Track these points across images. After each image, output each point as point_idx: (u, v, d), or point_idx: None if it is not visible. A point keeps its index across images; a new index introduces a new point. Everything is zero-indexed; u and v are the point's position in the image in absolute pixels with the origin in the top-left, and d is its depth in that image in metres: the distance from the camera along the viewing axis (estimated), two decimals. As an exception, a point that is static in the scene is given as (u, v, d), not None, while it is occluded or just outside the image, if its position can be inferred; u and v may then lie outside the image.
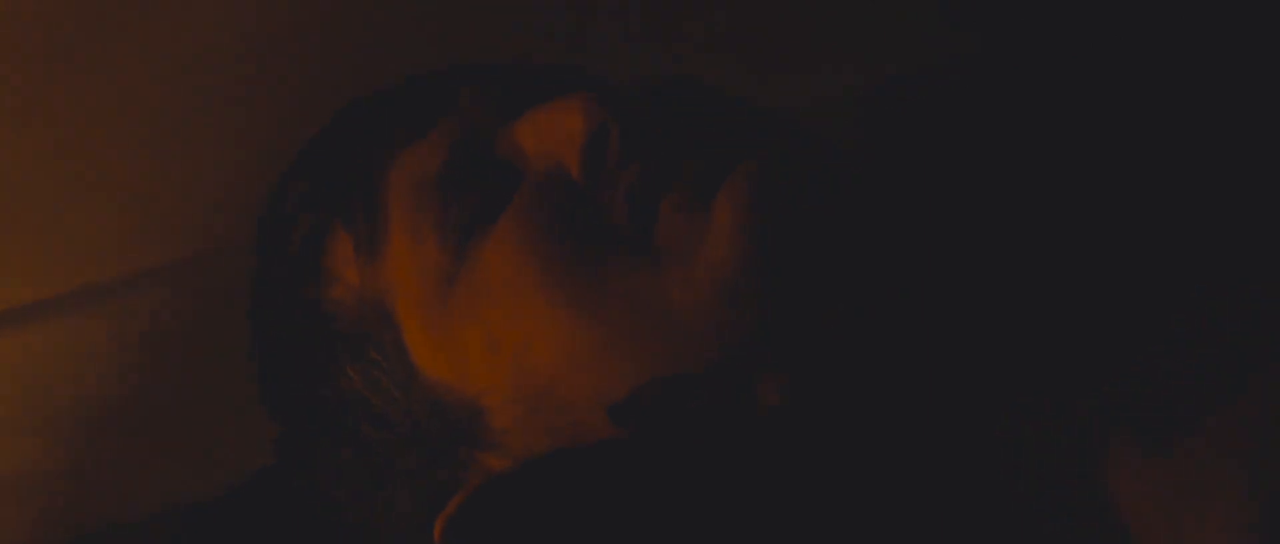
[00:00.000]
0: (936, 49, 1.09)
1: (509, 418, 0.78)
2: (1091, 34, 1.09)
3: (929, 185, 1.04)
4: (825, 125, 0.85)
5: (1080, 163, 1.02)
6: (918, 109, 1.09)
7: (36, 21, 0.92)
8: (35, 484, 1.00)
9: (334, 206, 0.83)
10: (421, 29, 0.99)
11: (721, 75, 0.84)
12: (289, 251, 0.84)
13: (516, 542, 0.79)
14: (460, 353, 0.79)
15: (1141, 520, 0.73)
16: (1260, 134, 0.99)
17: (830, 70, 1.08)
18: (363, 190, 0.83)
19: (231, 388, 0.92)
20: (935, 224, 0.90)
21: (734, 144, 0.78)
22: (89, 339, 0.98)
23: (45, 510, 1.00)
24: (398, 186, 0.82)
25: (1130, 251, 0.92)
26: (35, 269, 0.97)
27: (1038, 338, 0.79)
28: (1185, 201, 0.95)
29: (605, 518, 0.77)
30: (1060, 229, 0.96)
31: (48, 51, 0.93)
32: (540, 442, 0.78)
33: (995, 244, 0.93)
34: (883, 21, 1.08)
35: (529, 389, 0.78)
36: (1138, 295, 0.84)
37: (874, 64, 1.09)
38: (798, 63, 1.08)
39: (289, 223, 0.84)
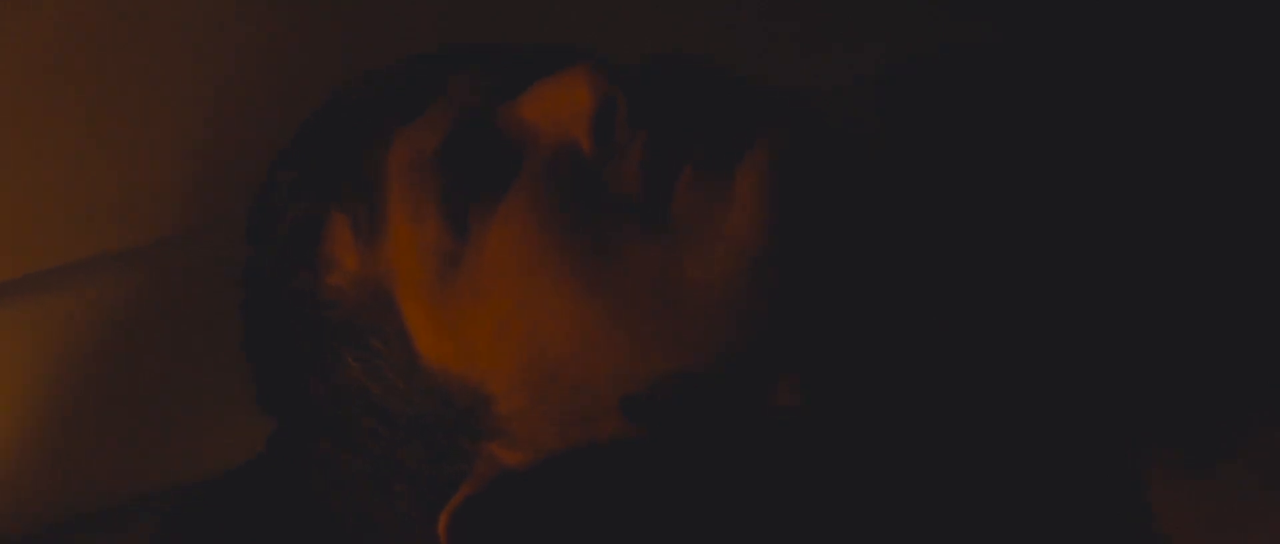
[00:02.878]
0: (950, 34, 1.08)
1: (515, 404, 0.76)
2: (1108, 22, 1.08)
3: (951, 177, 1.03)
4: (839, 110, 0.84)
5: (1120, 156, 1.01)
6: (935, 97, 1.08)
7: (30, 8, 0.91)
8: (20, 466, 0.98)
9: (329, 190, 0.81)
10: (418, 10, 0.98)
11: (732, 59, 0.82)
12: (282, 239, 0.82)
13: (524, 538, 0.77)
14: (464, 336, 0.77)
15: (1184, 539, 0.72)
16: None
17: (843, 56, 1.07)
18: (359, 171, 0.81)
19: (223, 370, 0.90)
20: (961, 221, 0.90)
21: (748, 117, 0.76)
22: (73, 318, 0.97)
23: (31, 493, 0.99)
24: (396, 165, 0.80)
25: (1181, 260, 0.91)
26: (21, 246, 0.96)
27: (1080, 346, 0.79)
28: (1234, 217, 0.94)
29: (615, 517, 0.76)
30: (1103, 233, 0.95)
31: (39, 35, 0.92)
32: (547, 429, 0.76)
33: (1030, 244, 0.92)
34: (896, 6, 1.08)
35: (537, 373, 0.76)
36: (1186, 308, 0.83)
37: (887, 50, 1.08)
38: (809, 47, 1.07)
39: (281, 210, 0.83)
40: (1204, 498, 0.72)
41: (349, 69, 0.88)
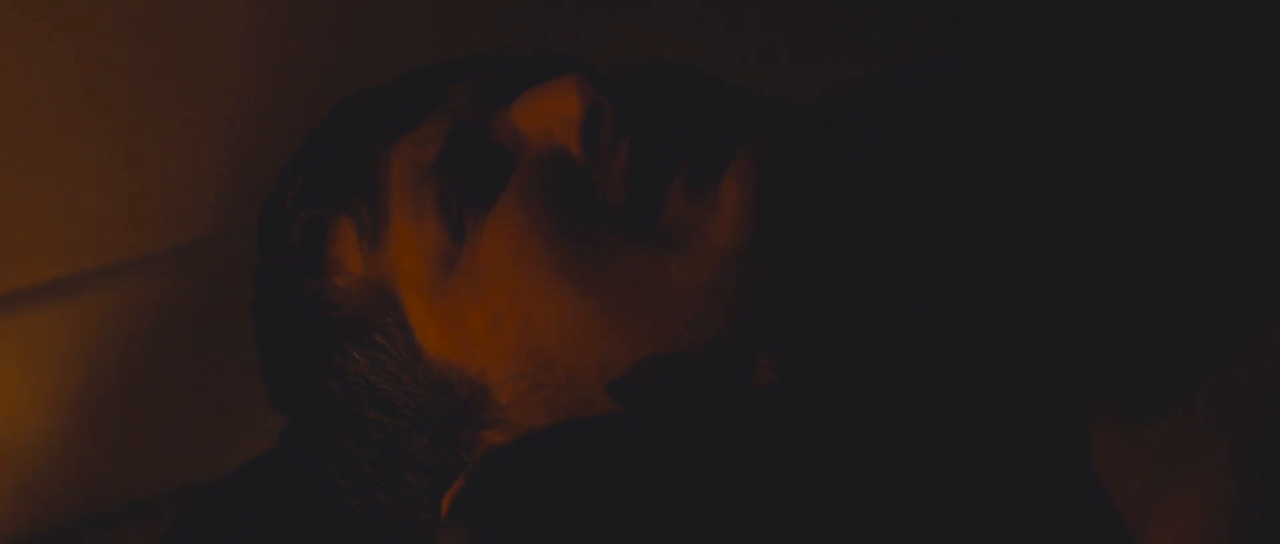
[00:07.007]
0: (934, 42, 1.10)
1: (511, 394, 0.79)
2: (1091, 27, 1.09)
3: (917, 173, 1.04)
4: (823, 116, 0.86)
5: (1072, 150, 1.03)
6: (913, 102, 1.09)
7: (41, 12, 0.93)
8: (42, 463, 1.01)
9: (335, 196, 0.84)
10: (420, 19, 1.01)
11: (719, 66, 0.85)
12: (291, 244, 0.85)
13: (520, 515, 0.78)
14: (463, 331, 0.80)
15: (1123, 491, 0.73)
16: (1236, 108, 1.00)
17: (828, 62, 1.09)
18: (363, 178, 0.84)
19: (238, 370, 0.93)
20: (924, 208, 0.91)
21: (732, 125, 0.79)
22: (97, 321, 1.00)
23: (52, 488, 1.01)
24: (398, 171, 0.83)
25: (1118, 227, 0.92)
26: (43, 251, 0.98)
27: (1022, 311, 0.80)
28: (1170, 179, 0.96)
29: (604, 489, 0.77)
30: (1046, 209, 0.97)
31: (53, 41, 0.94)
32: (542, 417, 0.79)
33: (980, 225, 0.93)
34: (881, 14, 1.09)
35: (531, 364, 0.79)
36: (1124, 268, 0.85)
37: (871, 57, 1.10)
38: (795, 55, 1.09)
39: (289, 216, 0.85)
40: (1143, 448, 0.73)
41: (356, 83, 0.90)
